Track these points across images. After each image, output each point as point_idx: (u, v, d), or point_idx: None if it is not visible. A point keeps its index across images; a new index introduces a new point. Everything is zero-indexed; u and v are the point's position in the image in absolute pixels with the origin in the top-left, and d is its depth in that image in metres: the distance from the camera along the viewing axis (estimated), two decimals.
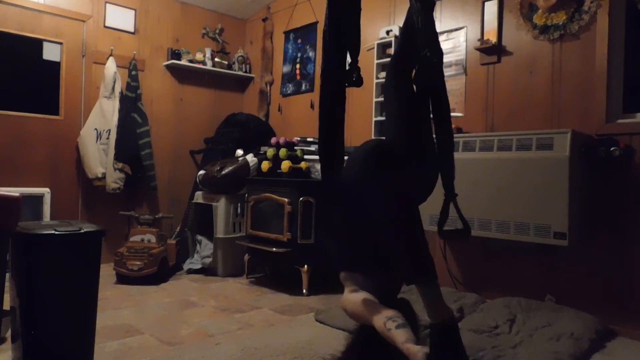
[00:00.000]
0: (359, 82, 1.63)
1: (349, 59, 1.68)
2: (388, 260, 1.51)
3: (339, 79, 1.61)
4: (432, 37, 1.57)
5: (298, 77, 4.38)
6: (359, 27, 1.67)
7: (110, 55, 3.95)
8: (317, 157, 3.38)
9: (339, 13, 1.60)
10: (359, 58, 1.68)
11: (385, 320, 1.32)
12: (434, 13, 1.68)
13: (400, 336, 1.29)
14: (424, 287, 1.35)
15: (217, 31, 4.64)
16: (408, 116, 1.64)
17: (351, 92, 1.69)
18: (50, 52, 3.76)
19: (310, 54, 4.28)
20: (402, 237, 1.36)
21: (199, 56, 4.49)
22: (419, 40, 1.54)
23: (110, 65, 3.90)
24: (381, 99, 3.42)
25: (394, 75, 1.77)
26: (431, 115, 1.63)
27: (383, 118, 3.26)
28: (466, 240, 1.64)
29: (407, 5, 1.77)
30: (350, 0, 1.63)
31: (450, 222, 1.75)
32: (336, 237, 1.61)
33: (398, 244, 1.36)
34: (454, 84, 3.19)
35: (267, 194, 3.39)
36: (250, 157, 3.85)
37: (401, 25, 3.07)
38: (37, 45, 3.69)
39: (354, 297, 1.44)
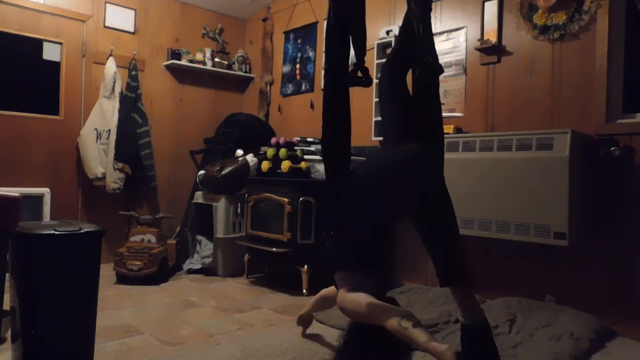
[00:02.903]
0: (368, 83, 1.65)
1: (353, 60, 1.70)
2: (389, 262, 1.53)
3: (342, 79, 1.62)
4: (432, 43, 1.62)
5: (298, 77, 4.38)
6: (364, 27, 1.67)
7: (110, 55, 3.95)
8: (316, 157, 3.40)
9: (344, 11, 1.60)
10: (365, 59, 1.70)
11: (400, 320, 1.32)
12: (432, 14, 1.70)
13: (422, 335, 1.30)
14: (458, 289, 1.39)
15: (217, 31, 4.64)
16: (406, 114, 1.68)
17: (351, 92, 1.70)
18: (50, 52, 3.76)
19: (310, 54, 4.28)
20: (446, 242, 1.44)
21: (199, 56, 4.48)
22: (419, 46, 1.56)
23: (110, 66, 3.90)
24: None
25: (390, 76, 1.80)
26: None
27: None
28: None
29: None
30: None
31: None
32: (337, 238, 1.61)
33: (440, 247, 1.43)
34: (454, 84, 3.19)
35: (267, 194, 3.39)
36: (250, 157, 3.85)
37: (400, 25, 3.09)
38: (37, 45, 3.69)
39: (355, 297, 1.43)
